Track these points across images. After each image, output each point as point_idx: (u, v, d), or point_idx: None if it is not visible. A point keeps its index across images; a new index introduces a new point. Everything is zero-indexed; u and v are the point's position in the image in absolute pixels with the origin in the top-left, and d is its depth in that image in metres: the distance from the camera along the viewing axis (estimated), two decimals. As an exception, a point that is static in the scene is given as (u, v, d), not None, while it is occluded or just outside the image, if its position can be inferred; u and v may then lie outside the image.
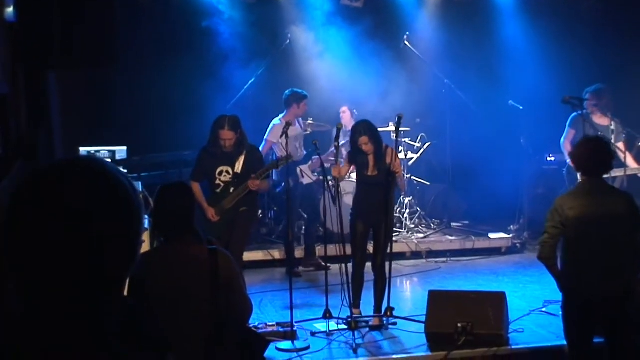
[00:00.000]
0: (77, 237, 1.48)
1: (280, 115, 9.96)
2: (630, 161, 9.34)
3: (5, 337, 1.49)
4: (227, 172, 7.87)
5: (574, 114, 9.36)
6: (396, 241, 10.45)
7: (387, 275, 7.62)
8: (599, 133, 8.77)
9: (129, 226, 1.57)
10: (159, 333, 1.68)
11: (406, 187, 11.15)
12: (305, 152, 10.40)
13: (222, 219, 7.84)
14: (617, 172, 8.86)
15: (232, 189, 7.85)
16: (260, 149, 9.15)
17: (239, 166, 7.86)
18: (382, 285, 7.68)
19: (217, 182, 7.89)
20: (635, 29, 12.06)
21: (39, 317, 1.49)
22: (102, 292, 1.53)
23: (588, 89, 9.42)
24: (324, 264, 9.49)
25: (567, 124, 9.64)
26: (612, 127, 9.31)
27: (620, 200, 5.47)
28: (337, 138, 7.68)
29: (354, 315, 7.45)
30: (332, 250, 8.61)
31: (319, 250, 10.00)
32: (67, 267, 1.48)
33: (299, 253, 10.44)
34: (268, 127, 9.90)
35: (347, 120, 10.91)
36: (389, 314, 7.54)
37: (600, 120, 9.49)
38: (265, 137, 9.82)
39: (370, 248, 7.91)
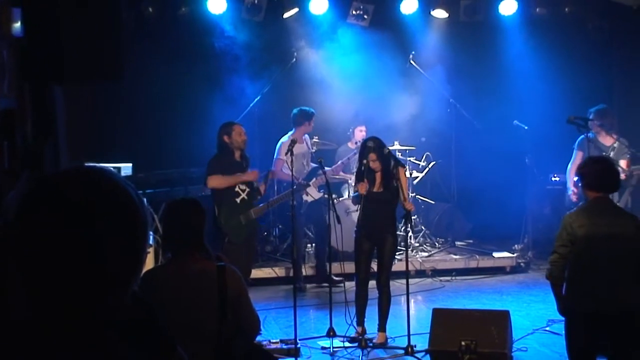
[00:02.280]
0: (79, 238, 1.50)
1: (289, 133, 9.91)
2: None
3: (7, 338, 1.50)
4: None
5: (580, 136, 9.30)
6: (400, 260, 10.42)
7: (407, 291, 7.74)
8: (603, 153, 8.77)
9: (132, 230, 1.58)
10: (166, 333, 1.69)
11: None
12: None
13: (248, 228, 7.92)
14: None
15: (252, 200, 7.96)
16: (273, 168, 9.35)
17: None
18: (386, 302, 7.66)
19: (237, 189, 7.91)
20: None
21: (41, 317, 1.51)
22: (105, 295, 1.54)
23: (591, 109, 9.40)
24: (336, 278, 9.45)
25: (574, 147, 9.54)
26: (615, 145, 9.29)
27: (629, 222, 5.45)
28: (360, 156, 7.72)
29: (359, 335, 7.43)
30: (337, 268, 8.59)
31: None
32: (69, 267, 1.50)
33: (306, 271, 10.45)
34: (273, 143, 9.90)
35: (361, 139, 10.88)
36: (409, 351, 7.26)
37: (605, 140, 9.46)
38: (276, 157, 9.76)
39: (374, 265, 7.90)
